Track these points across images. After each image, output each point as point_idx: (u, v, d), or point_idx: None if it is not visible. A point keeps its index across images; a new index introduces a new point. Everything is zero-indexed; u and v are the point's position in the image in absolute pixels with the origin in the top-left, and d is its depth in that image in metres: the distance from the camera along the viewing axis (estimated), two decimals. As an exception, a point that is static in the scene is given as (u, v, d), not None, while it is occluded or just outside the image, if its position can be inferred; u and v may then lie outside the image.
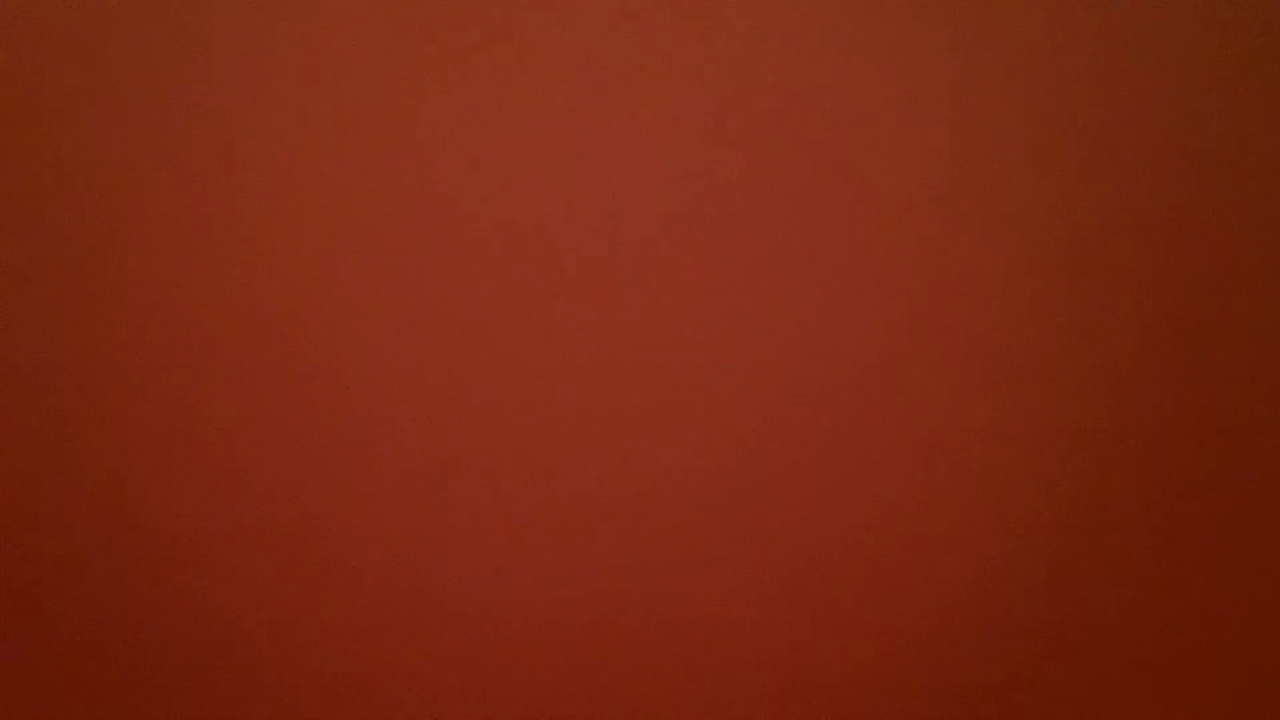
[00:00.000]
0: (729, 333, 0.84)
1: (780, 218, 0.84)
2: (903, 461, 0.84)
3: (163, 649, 0.87)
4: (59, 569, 0.87)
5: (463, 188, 0.85)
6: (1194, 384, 0.83)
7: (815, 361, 0.84)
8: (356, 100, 0.85)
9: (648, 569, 0.85)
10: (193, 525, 0.87)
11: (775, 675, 0.85)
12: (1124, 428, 0.84)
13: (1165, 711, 0.84)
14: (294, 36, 0.85)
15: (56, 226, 0.86)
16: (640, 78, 0.84)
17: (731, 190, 0.84)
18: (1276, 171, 0.83)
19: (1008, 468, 0.84)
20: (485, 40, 0.85)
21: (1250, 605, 0.84)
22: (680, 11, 0.84)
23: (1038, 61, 0.83)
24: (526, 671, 0.86)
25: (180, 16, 0.86)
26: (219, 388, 0.86)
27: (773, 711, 0.85)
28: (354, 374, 0.86)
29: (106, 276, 0.86)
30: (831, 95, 0.84)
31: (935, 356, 0.84)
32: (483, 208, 0.85)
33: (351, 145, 0.85)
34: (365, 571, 0.86)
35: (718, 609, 0.85)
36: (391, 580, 0.86)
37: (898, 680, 0.85)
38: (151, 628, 0.87)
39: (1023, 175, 0.83)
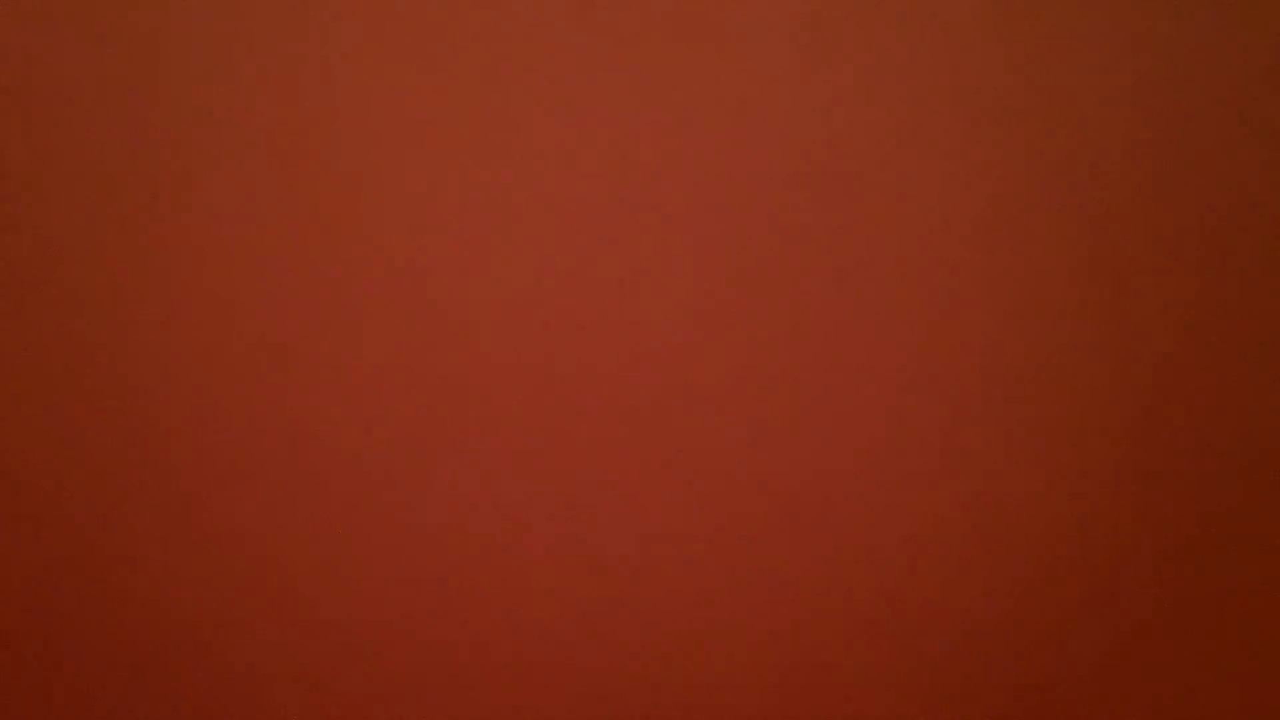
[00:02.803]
0: (737, 336, 0.85)
1: (786, 220, 0.84)
2: (914, 466, 0.84)
3: (162, 651, 0.87)
4: (59, 570, 0.87)
5: (463, 188, 0.85)
6: (1209, 387, 0.84)
7: (823, 364, 0.84)
8: (355, 100, 0.85)
9: (650, 572, 0.85)
10: (192, 527, 0.86)
11: (778, 679, 0.85)
12: (1142, 431, 0.84)
13: (1180, 713, 0.84)
14: (293, 35, 0.85)
15: (54, 226, 0.86)
16: (644, 78, 0.84)
17: (737, 192, 0.84)
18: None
19: (1020, 470, 0.84)
20: (485, 39, 0.85)
21: (1259, 609, 0.84)
22: (684, 13, 0.84)
23: (1046, 62, 0.83)
24: (527, 674, 0.86)
25: (180, 15, 0.86)
26: (218, 388, 0.86)
27: (778, 715, 0.85)
28: (353, 375, 0.86)
29: (105, 277, 0.86)
30: (837, 96, 0.84)
31: (947, 359, 0.84)
32: (483, 208, 0.85)
33: (350, 146, 0.85)
34: (364, 573, 0.86)
35: (721, 613, 0.85)
36: (391, 581, 0.86)
37: (907, 685, 0.85)
38: (151, 629, 0.87)
39: (1033, 175, 0.83)
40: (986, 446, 0.84)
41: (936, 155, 0.84)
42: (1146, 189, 0.83)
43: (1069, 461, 0.84)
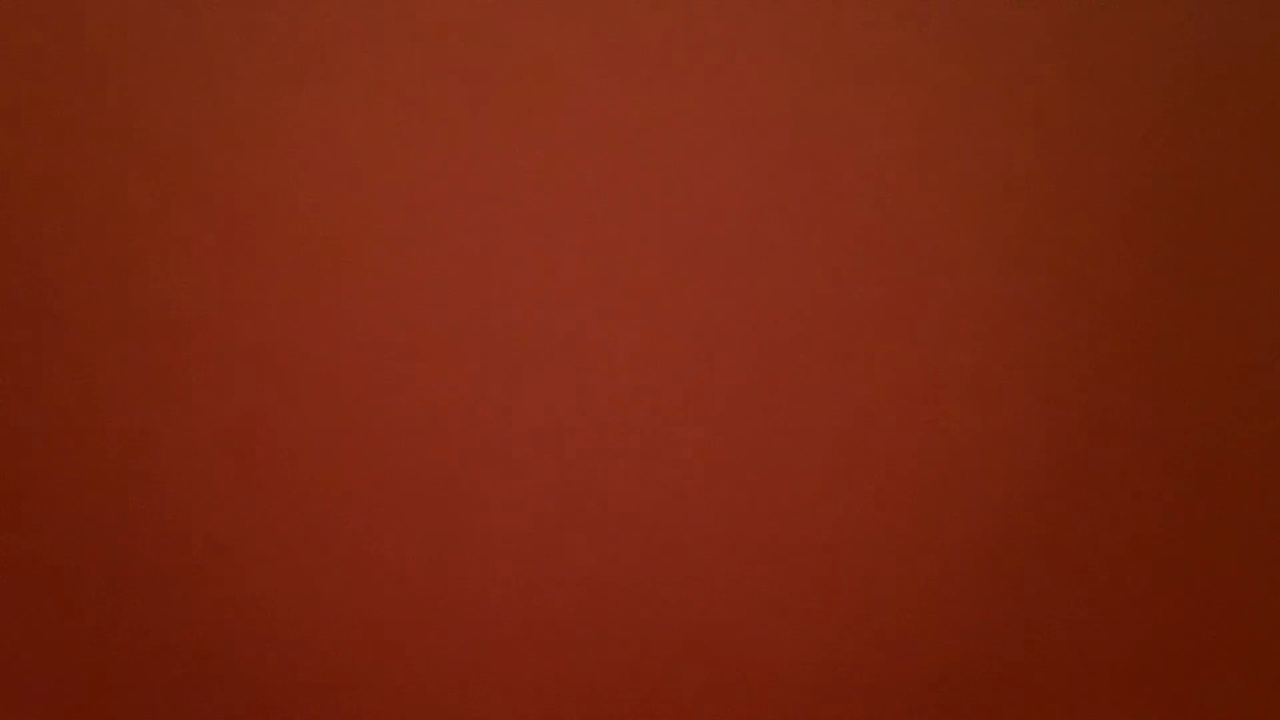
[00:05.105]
0: (727, 333, 0.85)
1: (779, 220, 0.84)
2: (897, 461, 0.84)
3: (163, 650, 0.87)
4: (59, 570, 0.87)
5: (465, 188, 0.85)
6: (1191, 386, 0.84)
7: (813, 362, 0.84)
8: (355, 99, 0.85)
9: (647, 568, 0.86)
10: (195, 527, 0.87)
11: (773, 675, 0.85)
12: (1118, 427, 0.84)
13: (1160, 712, 0.84)
14: (293, 34, 0.85)
15: (52, 224, 0.86)
16: (644, 78, 0.84)
17: (733, 192, 0.84)
18: (1276, 173, 0.83)
19: (1005, 468, 0.84)
20: (486, 38, 0.85)
21: (1248, 605, 0.84)
22: (685, 13, 0.84)
23: (1036, 62, 0.83)
24: (524, 672, 0.86)
25: (180, 14, 0.86)
26: (219, 388, 0.86)
27: (771, 711, 0.85)
28: (354, 373, 0.86)
29: (104, 276, 0.86)
30: (833, 97, 0.84)
31: (929, 357, 0.84)
32: (484, 208, 0.85)
33: (349, 145, 0.85)
34: (364, 573, 0.86)
35: (718, 609, 0.85)
36: (389, 580, 0.86)
37: (890, 679, 0.85)
38: (152, 628, 0.87)
39: (1021, 175, 0.83)
40: (982, 444, 0.84)
41: (937, 156, 0.83)
42: (1142, 187, 0.83)
43: (1066, 460, 0.84)
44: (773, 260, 0.84)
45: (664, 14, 0.84)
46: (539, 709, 0.87)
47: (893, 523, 0.85)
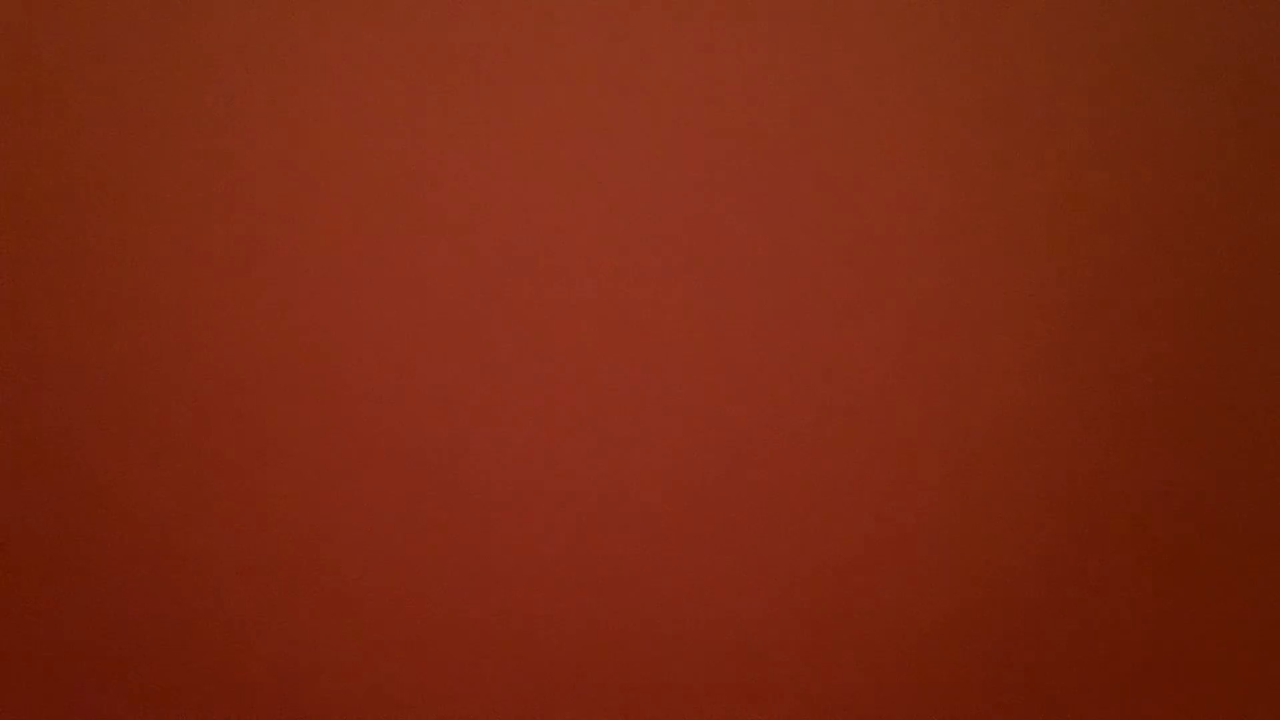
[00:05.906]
0: (732, 336, 0.85)
1: (782, 220, 0.84)
2: (906, 468, 0.84)
3: (162, 650, 0.87)
4: (59, 570, 0.87)
5: (466, 189, 0.85)
6: (1201, 390, 0.83)
7: (820, 365, 0.84)
8: (357, 101, 0.85)
9: (648, 571, 0.86)
10: (193, 526, 0.87)
11: (774, 678, 0.85)
12: (1131, 434, 0.84)
13: (1165, 715, 0.84)
14: (295, 36, 0.85)
15: (55, 226, 0.87)
16: (644, 80, 0.84)
17: (734, 192, 0.84)
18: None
19: (1012, 470, 0.84)
20: (486, 40, 0.85)
21: (1258, 611, 0.84)
22: (685, 15, 0.84)
23: (1045, 60, 0.83)
24: (523, 674, 0.86)
25: (182, 15, 0.86)
26: (219, 389, 0.86)
27: (770, 714, 0.85)
28: (354, 375, 0.86)
29: (106, 278, 0.86)
30: (835, 98, 0.84)
31: (938, 362, 0.84)
32: (485, 210, 0.85)
33: (352, 147, 0.85)
34: (364, 573, 0.86)
35: (718, 614, 0.85)
36: (389, 582, 0.86)
37: (897, 687, 0.85)
38: (151, 629, 0.87)
39: (1029, 177, 0.83)
40: (977, 445, 0.84)
41: (935, 156, 0.83)
42: (1150, 189, 0.83)
43: (1067, 468, 0.84)
44: (777, 261, 0.84)
45: (664, 14, 0.84)
46: (535, 711, 0.87)
47: (897, 533, 0.85)
